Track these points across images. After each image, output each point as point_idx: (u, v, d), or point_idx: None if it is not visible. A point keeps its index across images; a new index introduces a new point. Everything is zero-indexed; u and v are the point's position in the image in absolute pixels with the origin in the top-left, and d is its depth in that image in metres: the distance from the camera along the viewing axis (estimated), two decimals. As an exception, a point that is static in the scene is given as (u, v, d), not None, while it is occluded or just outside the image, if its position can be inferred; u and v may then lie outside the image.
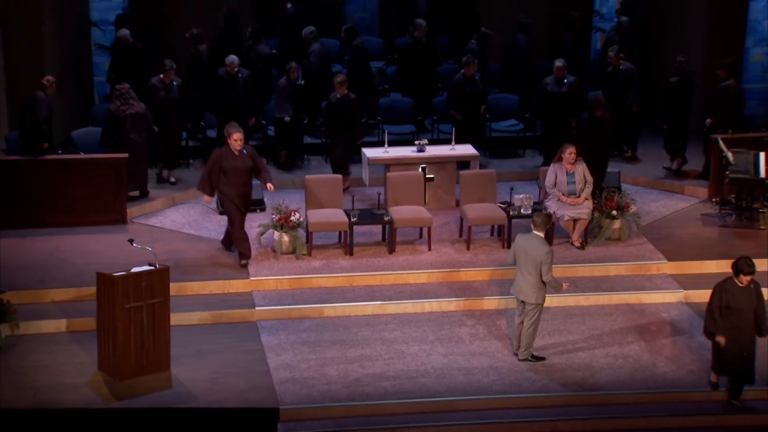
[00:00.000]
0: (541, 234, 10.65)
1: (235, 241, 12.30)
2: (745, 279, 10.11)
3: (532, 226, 10.73)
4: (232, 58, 14.60)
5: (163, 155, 14.37)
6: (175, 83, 14.25)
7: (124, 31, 15.42)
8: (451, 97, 15.04)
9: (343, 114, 14.13)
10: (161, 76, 14.17)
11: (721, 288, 10.22)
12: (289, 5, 16.55)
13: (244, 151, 12.00)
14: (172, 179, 14.45)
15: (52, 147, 13.55)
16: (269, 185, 12.21)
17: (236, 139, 11.91)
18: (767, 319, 10.21)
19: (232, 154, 11.94)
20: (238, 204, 12.07)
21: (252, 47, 15.93)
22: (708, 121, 14.55)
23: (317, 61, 15.59)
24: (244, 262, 12.24)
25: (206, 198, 12.25)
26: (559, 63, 14.70)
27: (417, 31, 16.16)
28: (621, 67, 15.14)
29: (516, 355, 10.94)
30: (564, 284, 10.75)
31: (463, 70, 14.92)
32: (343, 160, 14.26)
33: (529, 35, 16.38)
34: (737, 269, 10.13)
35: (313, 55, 15.63)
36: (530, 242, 10.61)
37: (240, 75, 14.59)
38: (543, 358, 10.95)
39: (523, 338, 10.84)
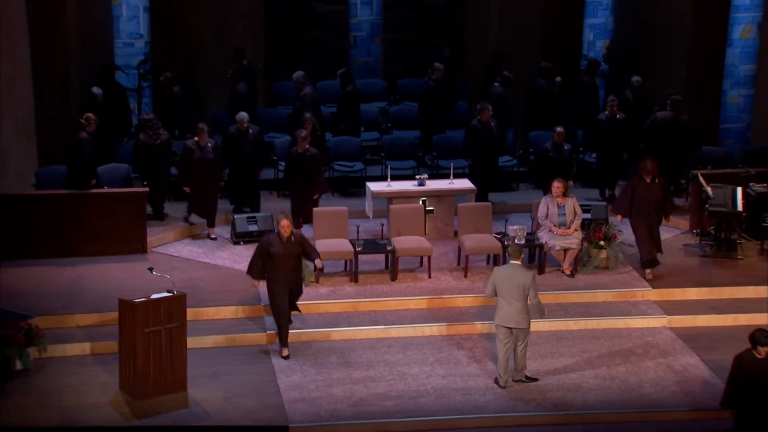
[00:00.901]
0: (518, 262, 10.66)
1: (279, 327, 11.34)
2: (763, 351, 9.63)
3: (508, 256, 10.78)
4: (242, 115, 14.19)
5: (196, 209, 13.96)
6: (209, 144, 13.70)
7: (98, 89, 15.04)
8: (467, 142, 14.75)
9: (303, 168, 13.56)
10: (195, 138, 13.63)
11: (740, 360, 9.72)
12: (245, 61, 16.32)
13: (293, 238, 11.17)
14: (213, 236, 13.88)
15: (98, 182, 13.66)
16: (318, 261, 11.53)
17: (284, 226, 11.07)
18: None
19: (280, 240, 11.11)
20: (283, 291, 11.19)
21: (233, 90, 15.87)
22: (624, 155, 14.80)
23: (309, 104, 15.49)
24: (286, 354, 11.27)
25: (253, 281, 11.44)
26: (559, 129, 14.09)
27: (435, 74, 16.18)
28: (618, 116, 14.87)
29: (497, 383, 10.82)
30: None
31: (478, 116, 14.68)
32: (297, 212, 13.51)
33: (549, 79, 16.34)
34: (755, 341, 9.62)
35: (306, 98, 15.51)
36: (512, 271, 10.60)
37: (251, 131, 14.14)
38: (536, 379, 10.92)
39: (519, 361, 10.80)
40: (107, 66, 15.94)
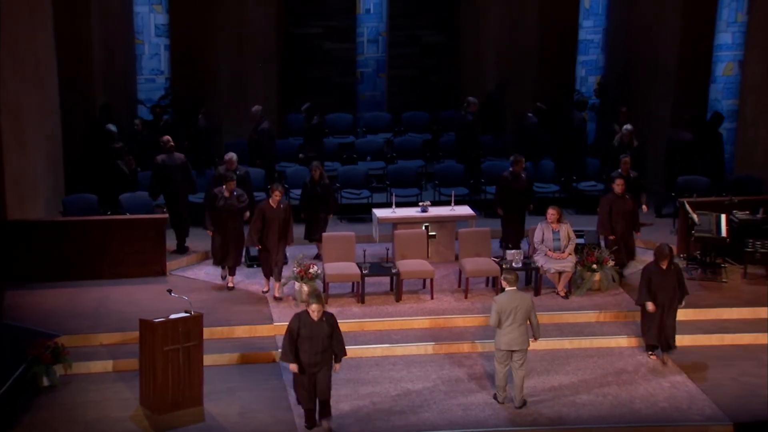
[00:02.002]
0: (515, 288, 10.54)
1: (305, 412, 10.25)
2: None
3: (505, 284, 10.54)
4: (232, 155, 13.61)
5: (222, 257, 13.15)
6: (235, 193, 12.92)
7: (113, 126, 14.84)
8: (499, 194, 14.09)
9: (275, 221, 12.53)
10: (224, 186, 12.85)
11: None
12: (200, 116, 15.95)
13: (324, 318, 10.15)
14: (231, 285, 13.07)
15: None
16: (336, 366, 10.23)
17: (314, 310, 10.06)
18: None
19: (311, 320, 10.12)
20: (309, 373, 10.09)
21: (195, 124, 15.91)
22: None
23: (267, 137, 15.38)
24: (307, 426, 10.22)
25: (291, 366, 10.10)
26: (619, 180, 13.20)
27: (470, 107, 16.07)
28: (631, 174, 14.06)
29: (496, 399, 10.69)
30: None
31: (511, 168, 14.05)
32: (272, 267, 12.67)
33: (583, 111, 16.43)
34: None
35: (265, 132, 15.35)
36: (514, 297, 10.47)
37: (237, 172, 13.53)
38: (525, 403, 10.73)
39: (522, 382, 10.64)
40: (105, 106, 15.49)
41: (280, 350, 10.74)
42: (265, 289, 12.99)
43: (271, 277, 12.85)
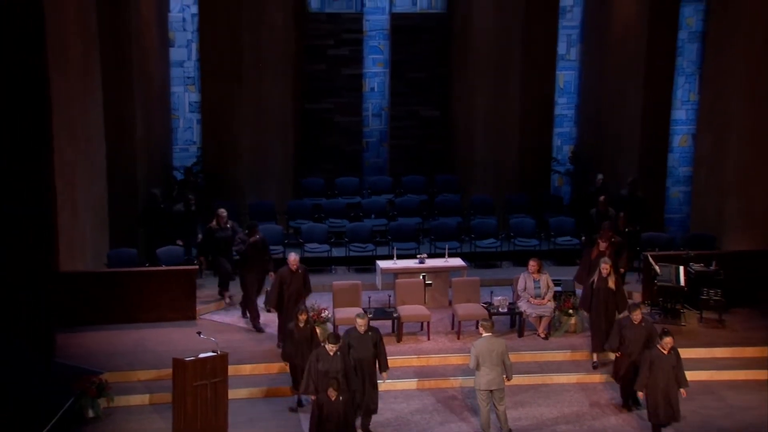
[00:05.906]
0: (491, 334, 10.54)
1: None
2: None
3: (482, 330, 10.53)
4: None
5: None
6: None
7: (156, 191, 14.95)
8: (585, 296, 12.52)
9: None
10: (298, 319, 11.19)
11: None
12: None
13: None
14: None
15: None
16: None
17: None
18: None
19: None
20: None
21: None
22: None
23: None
24: None
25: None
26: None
27: (597, 182, 15.83)
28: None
29: None
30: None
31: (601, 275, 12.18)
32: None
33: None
34: None
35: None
36: (490, 342, 10.47)
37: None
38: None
39: (506, 415, 10.62)
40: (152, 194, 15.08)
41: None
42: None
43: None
